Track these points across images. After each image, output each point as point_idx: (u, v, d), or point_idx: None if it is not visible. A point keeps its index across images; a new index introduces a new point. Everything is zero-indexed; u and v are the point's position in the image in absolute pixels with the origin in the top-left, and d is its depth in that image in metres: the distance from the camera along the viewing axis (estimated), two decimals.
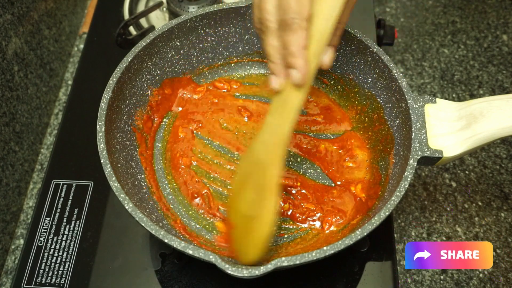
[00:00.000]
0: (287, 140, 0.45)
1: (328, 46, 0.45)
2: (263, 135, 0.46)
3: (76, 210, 0.57)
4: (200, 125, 0.60)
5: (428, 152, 0.47)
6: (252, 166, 0.47)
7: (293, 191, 0.55)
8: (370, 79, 0.56)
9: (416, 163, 0.47)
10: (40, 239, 0.55)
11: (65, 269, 0.54)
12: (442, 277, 0.59)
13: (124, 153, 0.52)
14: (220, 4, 0.58)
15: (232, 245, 0.50)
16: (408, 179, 0.45)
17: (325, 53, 0.45)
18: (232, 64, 0.63)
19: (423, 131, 0.48)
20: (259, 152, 0.46)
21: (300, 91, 0.43)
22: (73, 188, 0.59)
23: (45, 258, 0.54)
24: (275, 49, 0.43)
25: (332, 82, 0.61)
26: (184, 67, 0.60)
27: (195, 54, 0.60)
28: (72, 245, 0.55)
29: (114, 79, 0.51)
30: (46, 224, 0.56)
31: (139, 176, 0.54)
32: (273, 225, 0.45)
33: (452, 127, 0.49)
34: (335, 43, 0.49)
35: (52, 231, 0.56)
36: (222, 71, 0.63)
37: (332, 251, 0.41)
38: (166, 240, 0.42)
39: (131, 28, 0.72)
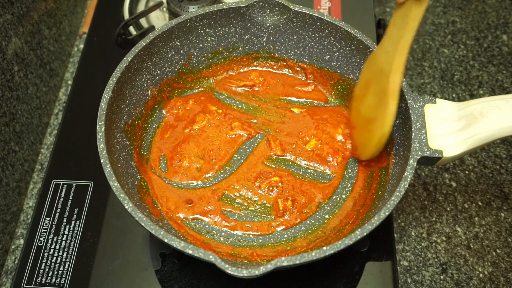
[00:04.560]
0: (407, 49, 0.47)
1: None
2: (385, 45, 0.49)
3: (76, 210, 0.57)
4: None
5: (428, 152, 0.47)
6: (374, 73, 0.52)
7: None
8: None
9: (416, 163, 0.47)
10: (40, 239, 0.55)
11: (65, 269, 0.54)
12: (442, 277, 0.59)
13: (124, 153, 0.52)
14: (220, 4, 0.58)
15: (354, 143, 0.57)
16: (408, 179, 0.45)
17: None
18: (232, 64, 0.63)
19: (423, 131, 0.48)
20: (381, 61, 0.50)
21: (421, 4, 0.45)
22: (73, 188, 0.59)
23: (45, 258, 0.54)
24: None
25: (332, 82, 0.61)
26: (184, 67, 0.60)
27: (195, 54, 0.60)
28: (72, 245, 0.55)
29: (114, 79, 0.51)
30: (46, 224, 0.56)
31: (139, 176, 0.54)
32: (391, 126, 0.50)
33: (452, 127, 0.49)
34: None
35: (52, 231, 0.56)
36: (222, 71, 0.63)
37: (332, 251, 0.41)
38: (166, 240, 0.42)
39: (131, 28, 0.72)
